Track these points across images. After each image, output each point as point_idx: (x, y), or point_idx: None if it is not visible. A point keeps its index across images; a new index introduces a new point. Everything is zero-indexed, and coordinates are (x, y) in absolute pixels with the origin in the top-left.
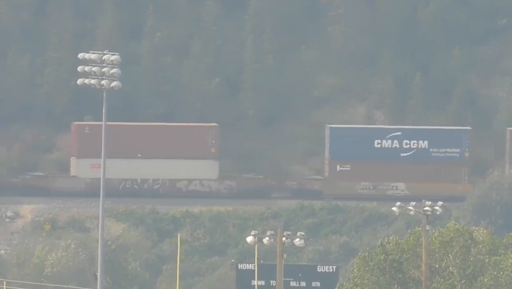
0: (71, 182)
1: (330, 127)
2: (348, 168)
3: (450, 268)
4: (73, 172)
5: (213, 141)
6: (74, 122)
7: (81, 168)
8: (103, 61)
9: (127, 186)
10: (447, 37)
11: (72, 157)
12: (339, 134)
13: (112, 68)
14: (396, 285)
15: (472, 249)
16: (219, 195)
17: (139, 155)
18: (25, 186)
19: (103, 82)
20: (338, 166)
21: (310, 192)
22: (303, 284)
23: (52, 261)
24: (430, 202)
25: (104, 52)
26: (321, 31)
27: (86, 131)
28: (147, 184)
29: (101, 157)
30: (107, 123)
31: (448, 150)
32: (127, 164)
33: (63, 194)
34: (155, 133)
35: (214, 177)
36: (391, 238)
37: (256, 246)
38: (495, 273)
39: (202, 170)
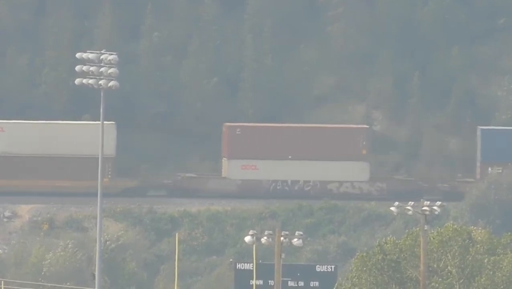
0: (223, 183)
1: (482, 129)
2: (500, 170)
3: (448, 267)
4: (224, 173)
5: (364, 143)
6: (225, 123)
7: (232, 169)
8: (101, 61)
9: (278, 187)
10: (446, 36)
11: (224, 158)
12: (490, 135)
13: (110, 67)
14: (394, 285)
15: (470, 249)
16: (370, 197)
17: (289, 157)
18: (176, 187)
19: (100, 82)
20: (489, 168)
21: (462, 195)
22: (301, 283)
23: (50, 260)
24: (428, 202)
25: (102, 51)
26: (320, 31)
27: (237, 132)
28: (298, 185)
29: (252, 158)
30: (258, 124)
31: None
32: (278, 165)
33: (214, 196)
34: (306, 134)
35: (365, 179)
36: (389, 238)
37: (254, 245)
38: (493, 272)
39: (354, 172)
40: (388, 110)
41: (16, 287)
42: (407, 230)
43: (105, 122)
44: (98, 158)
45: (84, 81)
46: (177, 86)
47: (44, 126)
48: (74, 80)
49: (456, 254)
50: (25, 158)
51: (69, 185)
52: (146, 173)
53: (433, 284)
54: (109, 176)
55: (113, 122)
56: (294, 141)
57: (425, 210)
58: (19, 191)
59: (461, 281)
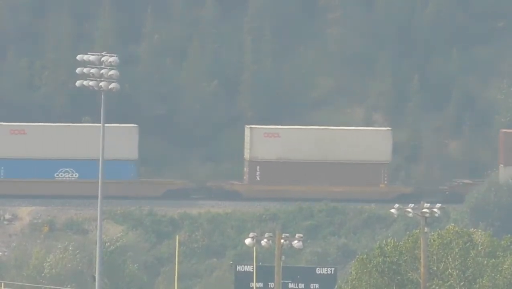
0: None
1: (505, 132)
2: None
3: (449, 270)
4: (501, 179)
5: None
6: (501, 130)
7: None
8: (101, 63)
9: None
10: (446, 39)
11: (500, 164)
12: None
13: (111, 69)
14: (394, 287)
15: (471, 251)
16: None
17: None
18: (452, 193)
19: (101, 84)
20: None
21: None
22: (301, 286)
23: (50, 263)
24: (428, 204)
25: (103, 53)
26: (319, 33)
27: None
28: None
29: None
30: None
31: None
32: None
33: None
34: None
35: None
36: (389, 240)
37: (254, 248)
38: (494, 275)
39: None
40: (388, 112)
41: None
42: (407, 232)
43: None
44: (373, 163)
45: (85, 83)
46: (177, 88)
47: (322, 132)
48: (74, 82)
49: (457, 256)
50: (301, 164)
51: (343, 191)
52: (421, 179)
53: (433, 286)
54: (385, 182)
55: (389, 129)
56: None
57: (425, 212)
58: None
59: (461, 283)
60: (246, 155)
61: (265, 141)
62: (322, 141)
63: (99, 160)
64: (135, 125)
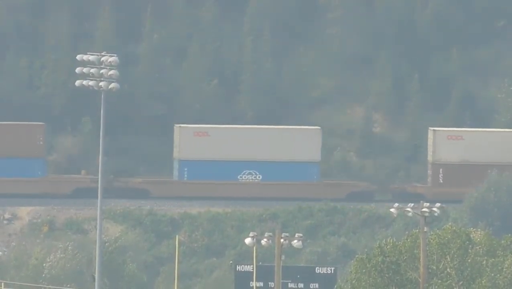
0: None
1: None
2: None
3: (448, 269)
4: None
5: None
6: None
7: None
8: (101, 63)
9: None
10: (446, 38)
11: None
12: None
13: (110, 69)
14: (394, 287)
15: (470, 250)
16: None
17: None
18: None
19: (101, 83)
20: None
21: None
22: (301, 285)
23: (50, 262)
24: (428, 204)
25: (102, 53)
26: (319, 33)
27: None
28: None
29: None
30: None
31: None
32: None
33: None
34: None
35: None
36: (388, 239)
37: (254, 247)
38: (493, 274)
39: None
40: (388, 112)
41: None
42: (407, 232)
43: None
44: None
45: (85, 83)
46: (176, 88)
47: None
48: (74, 82)
49: (455, 256)
50: (483, 166)
51: None
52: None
53: (432, 286)
54: None
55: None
56: None
57: (425, 211)
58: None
59: (460, 283)
60: (429, 157)
61: (449, 144)
62: (506, 143)
63: (283, 162)
64: (317, 127)
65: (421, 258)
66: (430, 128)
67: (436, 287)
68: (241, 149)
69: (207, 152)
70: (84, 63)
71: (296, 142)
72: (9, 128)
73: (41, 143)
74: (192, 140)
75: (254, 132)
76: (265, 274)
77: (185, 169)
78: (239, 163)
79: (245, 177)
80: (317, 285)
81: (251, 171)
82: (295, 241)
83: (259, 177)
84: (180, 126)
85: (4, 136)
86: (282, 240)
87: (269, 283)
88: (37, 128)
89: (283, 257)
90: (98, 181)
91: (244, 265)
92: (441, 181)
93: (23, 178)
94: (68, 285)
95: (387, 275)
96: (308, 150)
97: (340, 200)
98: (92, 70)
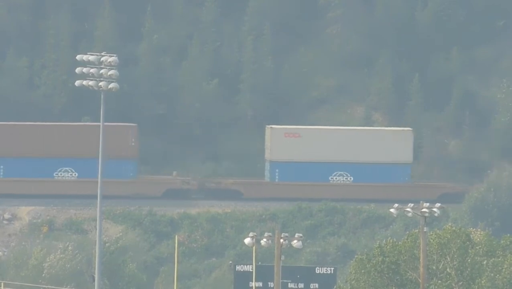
0: None
1: None
2: None
3: (447, 269)
4: None
5: None
6: None
7: None
8: (101, 63)
9: None
10: (446, 38)
11: None
12: None
13: (110, 69)
14: (393, 287)
15: (469, 250)
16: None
17: None
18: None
19: (101, 83)
20: None
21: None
22: (301, 285)
23: (50, 263)
24: (428, 204)
25: (102, 53)
26: (319, 32)
27: None
28: None
29: None
30: None
31: None
32: None
33: None
34: None
35: None
36: (388, 240)
37: (254, 247)
38: (493, 275)
39: None
40: (388, 111)
41: None
42: (407, 232)
43: None
44: None
45: (84, 83)
46: (176, 88)
47: None
48: (74, 82)
49: (455, 256)
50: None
51: None
52: None
53: (432, 286)
54: None
55: None
56: None
57: (425, 212)
58: None
59: (460, 283)
60: None
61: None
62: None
63: (374, 163)
64: (409, 128)
65: (421, 258)
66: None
67: (436, 287)
68: (332, 150)
69: (299, 153)
70: (84, 63)
71: (388, 143)
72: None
73: (133, 144)
74: (283, 141)
75: (345, 134)
76: (264, 274)
77: (277, 170)
78: (331, 165)
79: (336, 178)
80: (317, 285)
81: (342, 172)
82: (295, 241)
83: (350, 178)
84: (271, 127)
85: (96, 137)
86: (281, 240)
87: (269, 283)
88: (130, 129)
89: (282, 257)
90: (189, 182)
91: (244, 265)
92: None
93: (115, 180)
94: (68, 285)
95: (387, 275)
96: (400, 152)
97: (432, 202)
98: (92, 70)
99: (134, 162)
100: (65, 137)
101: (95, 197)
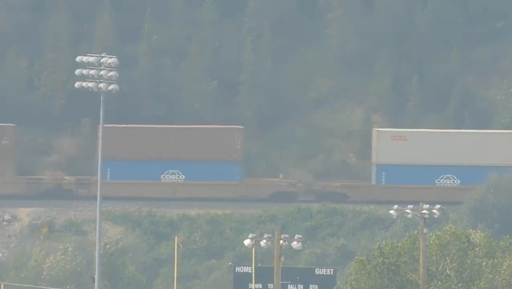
0: None
1: None
2: None
3: (447, 271)
4: None
5: None
6: None
7: None
8: (100, 64)
9: None
10: (445, 39)
11: None
12: None
13: (110, 71)
14: (393, 288)
15: (469, 252)
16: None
17: None
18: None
19: (100, 85)
20: None
21: None
22: (300, 287)
23: (50, 264)
24: (427, 205)
25: (102, 55)
26: (319, 33)
27: None
28: None
29: None
30: None
31: None
32: None
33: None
34: None
35: None
36: (387, 241)
37: (253, 249)
38: (492, 276)
39: None
40: (387, 112)
41: None
42: (407, 233)
43: None
44: None
45: (84, 84)
46: (176, 89)
47: None
48: (73, 83)
49: (455, 257)
50: None
51: None
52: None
53: (432, 287)
54: None
55: None
56: None
57: (424, 213)
58: None
59: (460, 284)
60: None
61: None
62: None
63: (482, 166)
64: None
65: (420, 259)
66: None
67: (436, 288)
68: (439, 153)
69: (405, 156)
70: (83, 65)
71: (497, 146)
72: (208, 132)
73: (239, 147)
74: (390, 144)
75: (453, 137)
76: (264, 275)
77: (383, 173)
78: (437, 168)
79: (442, 181)
80: (316, 287)
81: (449, 175)
82: (295, 242)
83: (457, 181)
84: (377, 130)
85: (203, 140)
86: (281, 241)
87: (268, 284)
88: (236, 132)
89: (282, 259)
90: (296, 185)
91: (243, 266)
92: None
93: (222, 182)
94: (68, 287)
95: (387, 276)
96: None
97: None
98: (92, 72)
99: (240, 165)
100: (172, 139)
101: (202, 199)
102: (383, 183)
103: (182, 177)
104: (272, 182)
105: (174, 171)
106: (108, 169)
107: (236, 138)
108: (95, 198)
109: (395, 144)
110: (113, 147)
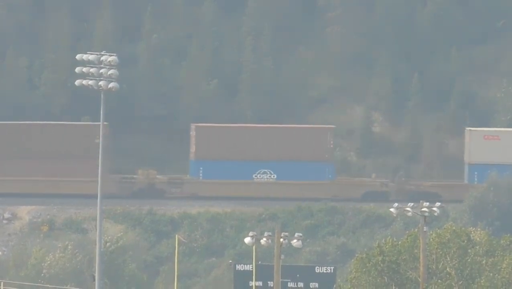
0: None
1: None
2: None
3: (447, 269)
4: None
5: None
6: None
7: None
8: (101, 62)
9: None
10: (445, 38)
11: None
12: None
13: (110, 69)
14: (393, 286)
15: (469, 250)
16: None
17: None
18: None
19: (100, 83)
20: None
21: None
22: (300, 285)
23: (50, 262)
24: (427, 203)
25: (102, 53)
26: (319, 32)
27: None
28: None
29: None
30: None
31: None
32: None
33: None
34: None
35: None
36: (387, 239)
37: (254, 247)
38: (492, 274)
39: None
40: (387, 111)
41: None
42: (407, 232)
43: None
44: None
45: (84, 82)
46: (176, 88)
47: None
48: (73, 82)
49: (455, 255)
50: None
51: None
52: None
53: (432, 285)
54: None
55: None
56: None
57: (424, 211)
58: None
59: (460, 282)
60: None
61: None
62: None
63: None
64: None
65: (420, 257)
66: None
67: (436, 286)
68: None
69: (498, 155)
70: (83, 63)
71: None
72: (300, 132)
73: (331, 146)
74: (483, 144)
75: None
76: (264, 273)
77: (475, 173)
78: None
79: None
80: (316, 285)
81: None
82: (295, 240)
83: None
84: (470, 130)
85: (295, 139)
86: (281, 239)
87: (269, 282)
88: (328, 132)
89: (282, 257)
90: (388, 185)
91: (244, 264)
92: None
93: (315, 181)
94: (68, 285)
95: (387, 275)
96: None
97: None
98: (92, 70)
99: (332, 164)
100: (264, 139)
101: (293, 199)
102: (475, 182)
103: (273, 176)
104: (364, 182)
105: (266, 170)
106: (201, 169)
107: (328, 138)
108: (187, 197)
109: (488, 144)
110: (205, 147)
